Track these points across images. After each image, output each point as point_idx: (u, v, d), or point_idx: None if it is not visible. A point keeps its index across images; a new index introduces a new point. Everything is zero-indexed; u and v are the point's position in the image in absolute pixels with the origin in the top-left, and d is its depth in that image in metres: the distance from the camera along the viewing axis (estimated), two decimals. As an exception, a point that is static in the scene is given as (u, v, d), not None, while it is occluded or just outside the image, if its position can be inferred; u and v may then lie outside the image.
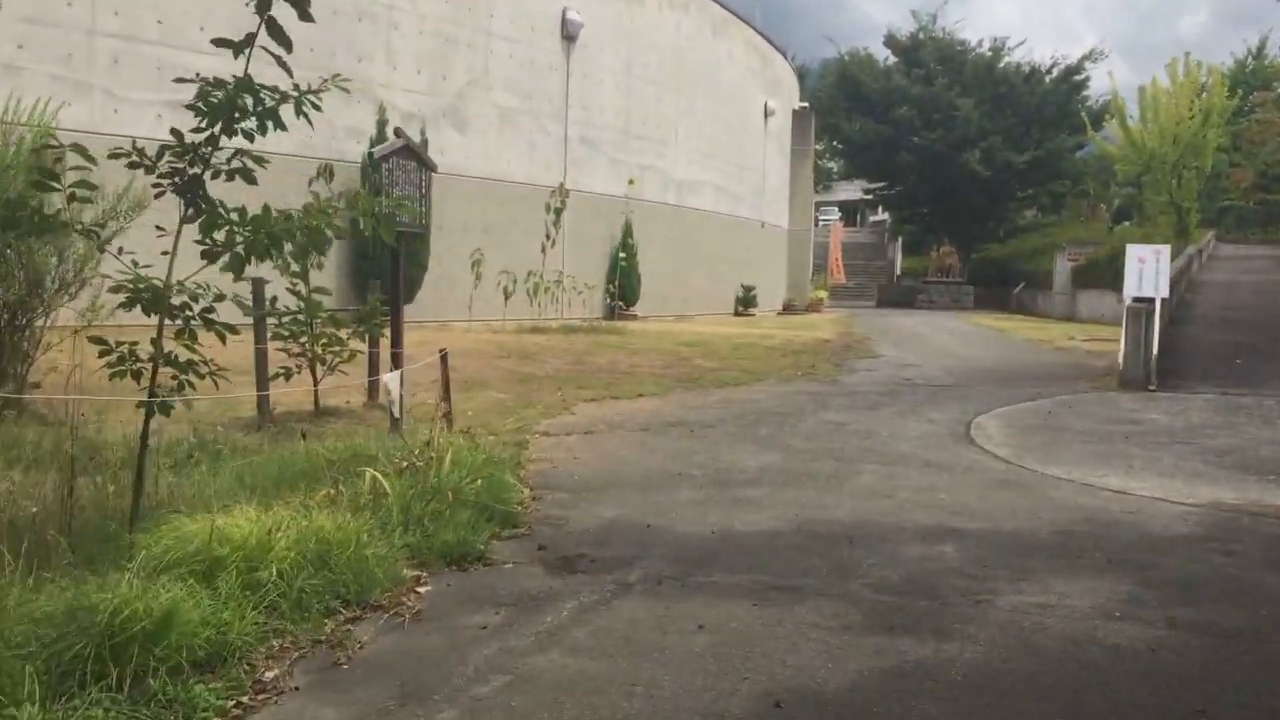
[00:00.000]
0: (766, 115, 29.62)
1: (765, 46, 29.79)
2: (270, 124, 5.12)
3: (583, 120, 21.62)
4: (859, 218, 77.13)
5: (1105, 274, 32.14)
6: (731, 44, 27.20)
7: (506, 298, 16.27)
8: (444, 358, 7.64)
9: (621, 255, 21.40)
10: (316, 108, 5.26)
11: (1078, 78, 44.39)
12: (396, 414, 6.87)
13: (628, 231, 22.49)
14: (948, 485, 6.84)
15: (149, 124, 14.13)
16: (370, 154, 16.92)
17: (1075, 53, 46.86)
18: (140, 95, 14.57)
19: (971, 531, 5.68)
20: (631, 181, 19.70)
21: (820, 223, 58.25)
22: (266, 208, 5.12)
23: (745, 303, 27.91)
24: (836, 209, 76.91)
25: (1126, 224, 45.63)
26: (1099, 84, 71.78)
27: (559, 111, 20.99)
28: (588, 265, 21.81)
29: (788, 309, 31.99)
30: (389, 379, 6.86)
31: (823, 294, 33.97)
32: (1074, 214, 57.87)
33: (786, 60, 32.02)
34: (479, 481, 6.17)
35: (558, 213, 16.95)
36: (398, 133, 7.33)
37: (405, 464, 5.93)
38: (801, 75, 55.69)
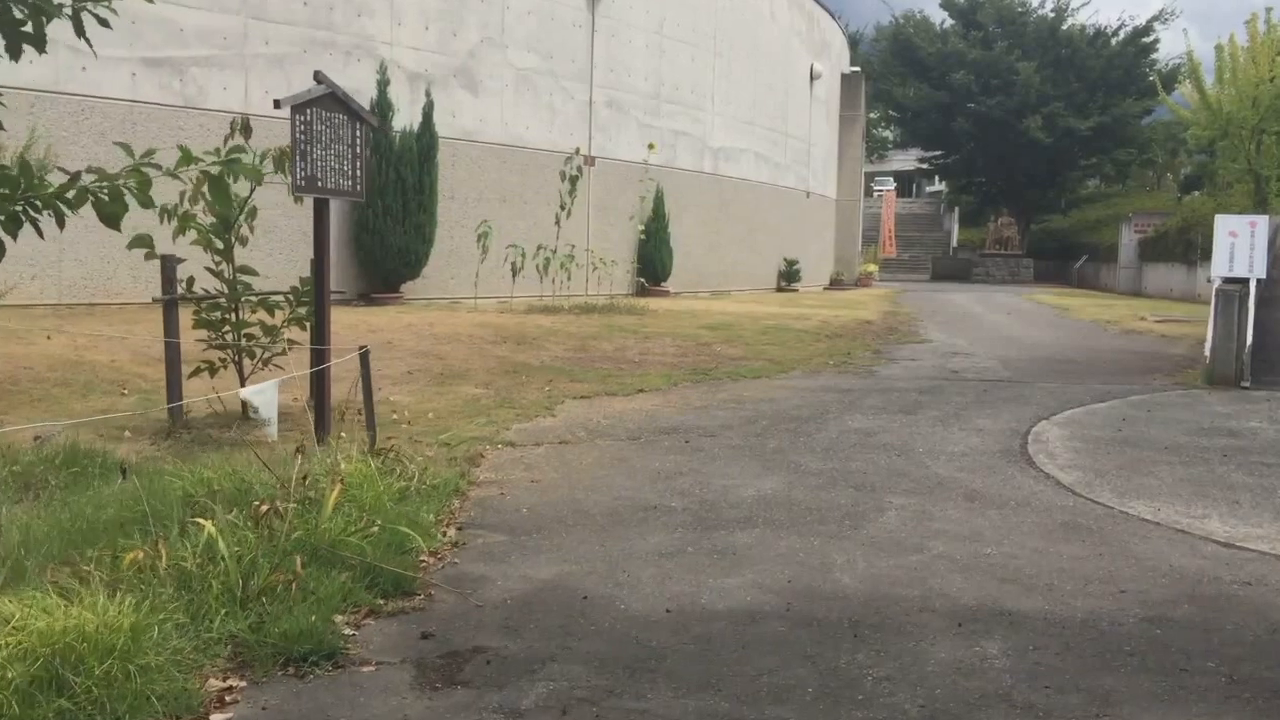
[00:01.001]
0: (812, 79, 27.74)
1: (811, 5, 27.85)
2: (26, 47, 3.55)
3: (609, 83, 19.97)
4: (914, 188, 74.70)
5: (1175, 246, 29.95)
6: (774, 2, 25.32)
7: (515, 274, 14.76)
8: (364, 358, 6.12)
9: (641, 229, 19.78)
10: (103, 23, 3.67)
11: (1146, 40, 41.80)
12: (274, 435, 5.34)
13: (658, 202, 20.85)
14: (996, 531, 5.20)
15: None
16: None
17: (1143, 14, 44.11)
18: None
19: (1028, 616, 4.06)
20: (651, 146, 18.07)
21: (875, 193, 56.08)
22: (25, 164, 3.56)
23: (788, 277, 26.18)
24: (891, 179, 74.49)
25: (1196, 194, 43.04)
26: (1169, 48, 68.52)
27: (583, 73, 19.36)
28: (614, 238, 20.24)
29: (835, 284, 30.19)
30: (252, 393, 5.31)
31: (872, 268, 32.09)
32: (1139, 184, 55.15)
33: (835, 21, 30.00)
34: (375, 527, 4.67)
35: (573, 181, 15.37)
36: (317, 77, 5.75)
37: (267, 507, 4.42)
38: (855, 42, 53.50)
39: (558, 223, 15.55)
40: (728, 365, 10.98)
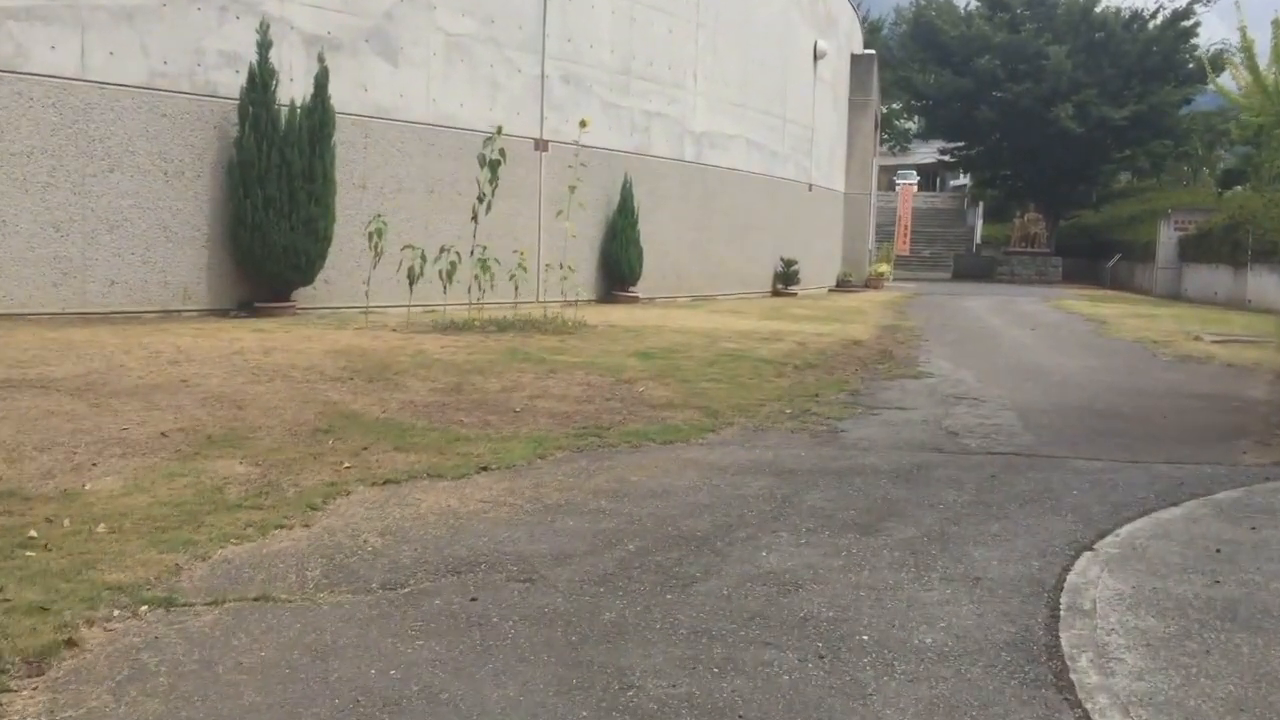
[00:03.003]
0: (816, 58, 24.41)
1: (816, -25, 24.53)
2: None
3: (567, 55, 16.79)
4: (938, 182, 71.12)
5: (1221, 246, 26.39)
6: (770, -32, 22.04)
7: (412, 281, 11.63)
8: None
9: (595, 229, 16.56)
10: None
11: (1186, 24, 38.05)
12: None
13: (625, 194, 17.67)
14: None
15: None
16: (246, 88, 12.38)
17: (1183, -3, 40.14)
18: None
19: None
20: (584, 124, 14.87)
21: (897, 187, 52.54)
22: None
23: (785, 280, 22.92)
24: (914, 173, 70.73)
25: (1239, 189, 39.29)
26: (1211, 33, 63.69)
27: (533, 41, 16.19)
28: (576, 232, 17.07)
29: (842, 285, 26.91)
30: None
31: (884, 268, 28.74)
32: (1174, 178, 51.23)
33: (844, -6, 26.65)
34: None
35: (493, 166, 12.21)
36: None
37: None
38: (876, 28, 49.92)
39: (474, 218, 12.41)
40: (640, 418, 7.79)
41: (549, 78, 16.49)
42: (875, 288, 27.43)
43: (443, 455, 6.49)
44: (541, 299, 16.37)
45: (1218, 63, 31.64)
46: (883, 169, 67.77)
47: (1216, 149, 51.25)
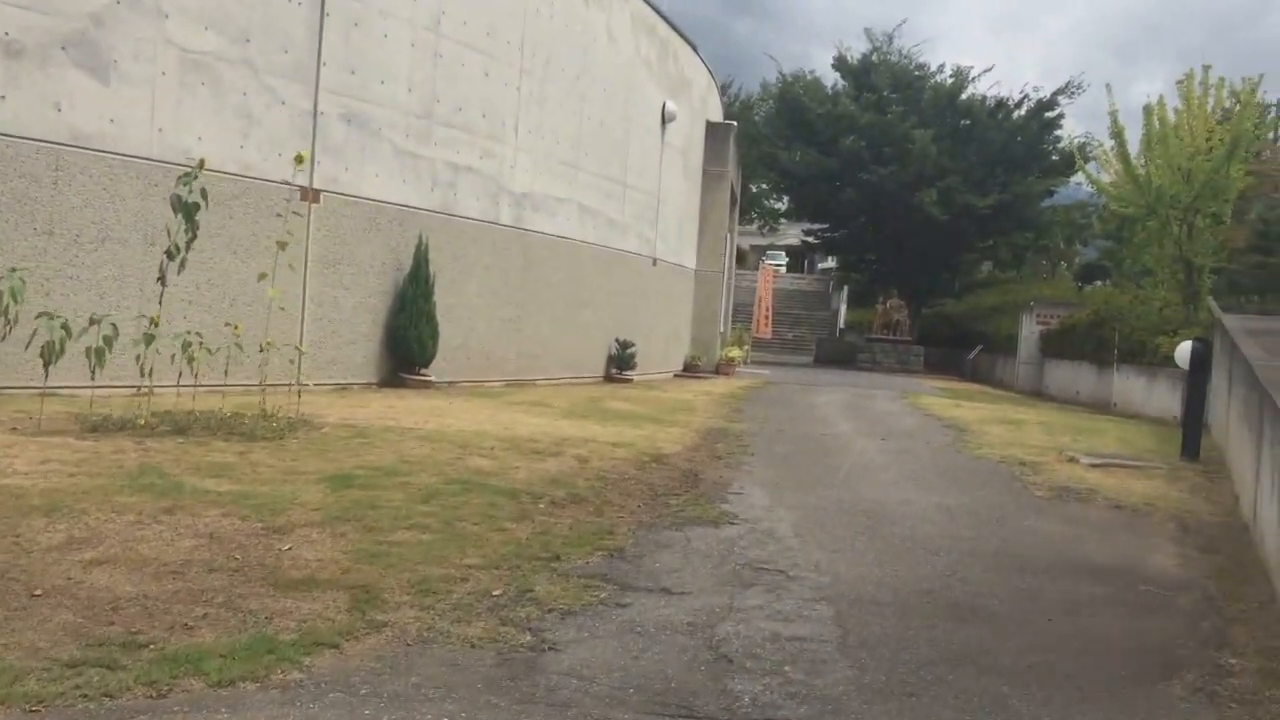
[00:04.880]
0: (665, 121, 21.95)
1: (666, 31, 22.11)
2: None
3: (350, 89, 13.82)
4: (805, 264, 70.11)
5: (1085, 343, 24.61)
6: (612, 17, 19.49)
7: (47, 363, 8.34)
8: None
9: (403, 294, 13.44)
10: None
11: (1050, 114, 37.17)
12: None
13: (419, 258, 14.66)
14: None
15: None
16: None
17: (1048, 87, 39.42)
18: None
19: None
20: (299, 159, 11.83)
21: (761, 267, 50.76)
22: None
23: (621, 364, 20.12)
24: (784, 254, 69.38)
25: (1099, 284, 38.35)
26: (1075, 124, 63.78)
27: (303, 70, 13.17)
28: (349, 305, 13.98)
29: (690, 370, 24.26)
30: None
31: (736, 353, 26.19)
32: (1033, 271, 50.67)
33: (698, 56, 24.37)
34: None
35: (189, 210, 9.05)
36: None
37: None
38: (748, 106, 48.33)
39: (161, 279, 9.23)
40: (238, 611, 4.69)
41: (324, 114, 13.47)
42: (726, 374, 24.87)
43: None
44: (300, 382, 13.19)
45: (1084, 152, 30.51)
46: (753, 248, 66.26)
47: (1075, 243, 50.98)
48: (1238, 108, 20.52)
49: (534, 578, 5.60)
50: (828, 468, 10.08)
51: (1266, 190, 33.88)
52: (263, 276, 9.81)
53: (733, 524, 7.15)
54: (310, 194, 13.37)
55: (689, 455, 10.04)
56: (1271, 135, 31.56)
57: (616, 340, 20.03)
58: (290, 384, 11.94)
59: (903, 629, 5.15)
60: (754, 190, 52.20)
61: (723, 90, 47.03)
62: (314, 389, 12.24)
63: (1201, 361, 12.09)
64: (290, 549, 5.73)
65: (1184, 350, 12.32)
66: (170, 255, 9.16)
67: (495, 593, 5.32)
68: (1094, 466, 11.14)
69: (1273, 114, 29.13)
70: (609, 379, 19.97)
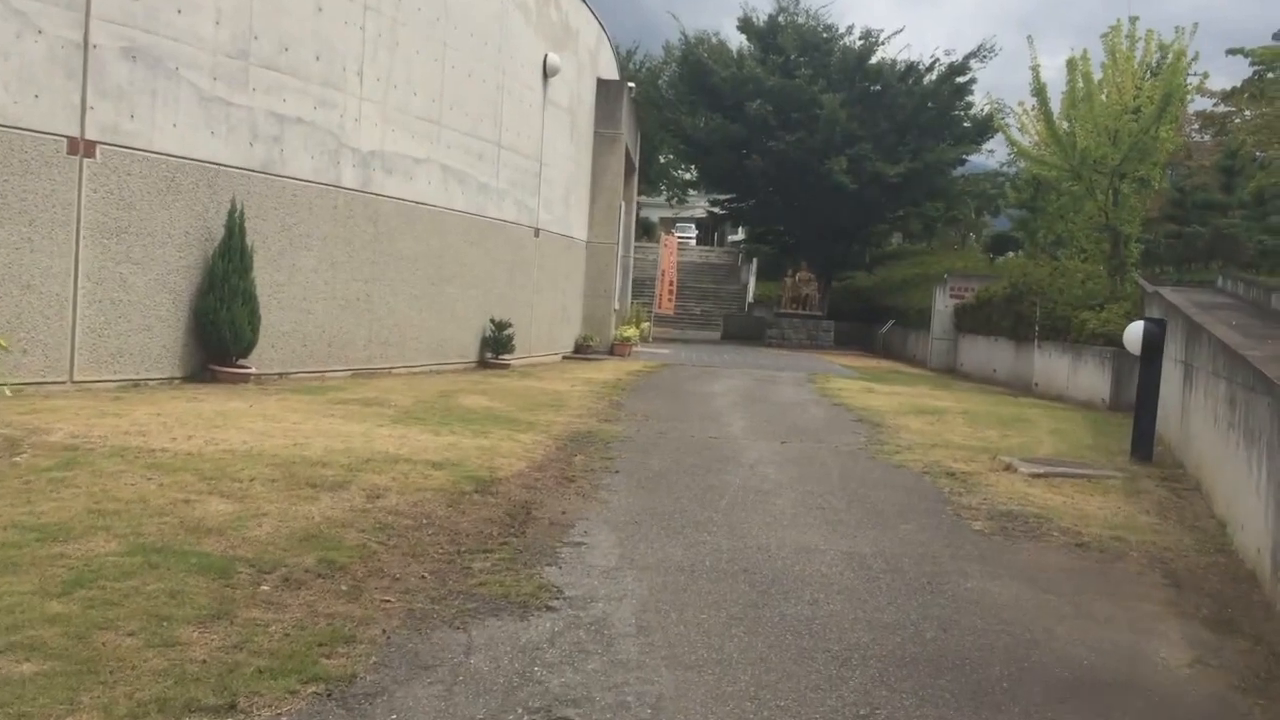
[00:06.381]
0: (547, 75, 19.46)
1: (547, -26, 19.60)
2: None
3: (134, 19, 11.10)
4: (715, 236, 68.03)
5: (1002, 318, 22.79)
6: (480, -48, 16.91)
7: None
8: None
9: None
10: None
11: (961, 79, 35.41)
12: None
13: (234, 226, 12.05)
14: None
15: None
16: None
17: (960, 50, 37.44)
18: None
19: None
20: None
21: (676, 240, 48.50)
22: None
23: (497, 347, 17.69)
24: (693, 225, 67.16)
25: (1011, 254, 36.83)
26: (980, 96, 61.94)
27: (65, -9, 10.43)
28: (141, 284, 11.30)
29: (581, 351, 21.94)
30: None
31: (632, 332, 23.87)
32: (943, 242, 49.28)
33: (588, 6, 21.85)
34: None
35: None
36: None
37: None
38: (654, 73, 45.73)
39: None
40: None
41: (99, 48, 10.74)
42: (621, 355, 22.58)
43: None
44: (74, 378, 10.57)
45: (999, 118, 28.79)
46: (662, 221, 63.95)
47: (984, 214, 49.65)
48: (1169, 60, 18.73)
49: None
50: (708, 491, 7.81)
51: (1179, 158, 32.63)
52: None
53: (550, 609, 4.81)
54: (81, 145, 10.67)
55: (531, 478, 7.69)
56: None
57: (492, 320, 17.59)
58: (74, 380, 9.36)
59: None
60: (662, 161, 49.86)
61: (627, 56, 44.52)
62: (73, 390, 9.61)
63: (1156, 345, 10.10)
64: None
65: (1134, 332, 10.35)
66: None
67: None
68: (1036, 477, 9.08)
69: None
70: (483, 364, 17.54)
